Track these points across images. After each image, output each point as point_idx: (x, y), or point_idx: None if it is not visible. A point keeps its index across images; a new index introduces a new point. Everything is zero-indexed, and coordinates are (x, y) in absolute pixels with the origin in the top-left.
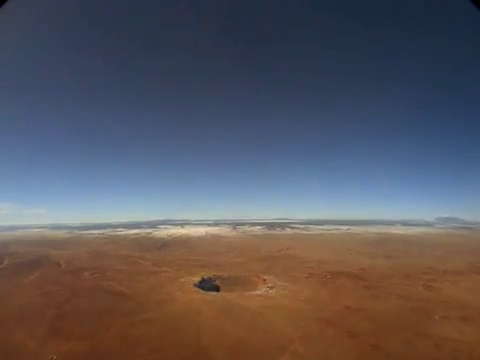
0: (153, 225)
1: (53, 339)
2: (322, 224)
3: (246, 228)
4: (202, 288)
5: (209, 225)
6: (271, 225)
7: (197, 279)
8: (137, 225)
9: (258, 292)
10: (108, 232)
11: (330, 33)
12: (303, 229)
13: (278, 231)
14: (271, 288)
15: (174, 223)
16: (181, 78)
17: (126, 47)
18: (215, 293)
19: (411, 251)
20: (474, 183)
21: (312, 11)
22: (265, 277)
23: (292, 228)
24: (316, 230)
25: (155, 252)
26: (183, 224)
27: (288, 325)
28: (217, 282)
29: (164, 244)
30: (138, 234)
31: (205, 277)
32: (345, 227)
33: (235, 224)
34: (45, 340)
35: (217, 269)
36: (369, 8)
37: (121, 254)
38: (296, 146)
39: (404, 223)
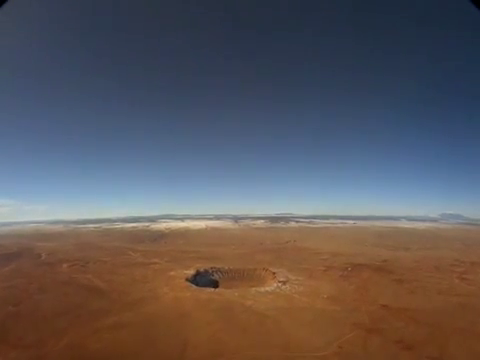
0: (153, 219)
1: None
2: (327, 218)
3: (248, 222)
4: (196, 283)
5: (210, 219)
6: (274, 219)
7: (191, 272)
8: (136, 219)
9: (268, 289)
10: (105, 226)
11: (330, 31)
12: (308, 223)
13: (282, 224)
14: (284, 283)
15: (174, 217)
16: (183, 76)
17: (125, 46)
18: (212, 290)
19: (427, 243)
20: (477, 180)
21: (312, 7)
22: (274, 270)
23: (297, 222)
24: (322, 224)
25: (148, 244)
26: (183, 218)
27: (315, 335)
28: (215, 276)
29: (160, 236)
30: (135, 227)
31: (201, 270)
32: (351, 221)
33: (237, 218)
34: None
35: (216, 261)
36: (369, 7)
37: (111, 246)
38: (299, 142)
39: (409, 218)
